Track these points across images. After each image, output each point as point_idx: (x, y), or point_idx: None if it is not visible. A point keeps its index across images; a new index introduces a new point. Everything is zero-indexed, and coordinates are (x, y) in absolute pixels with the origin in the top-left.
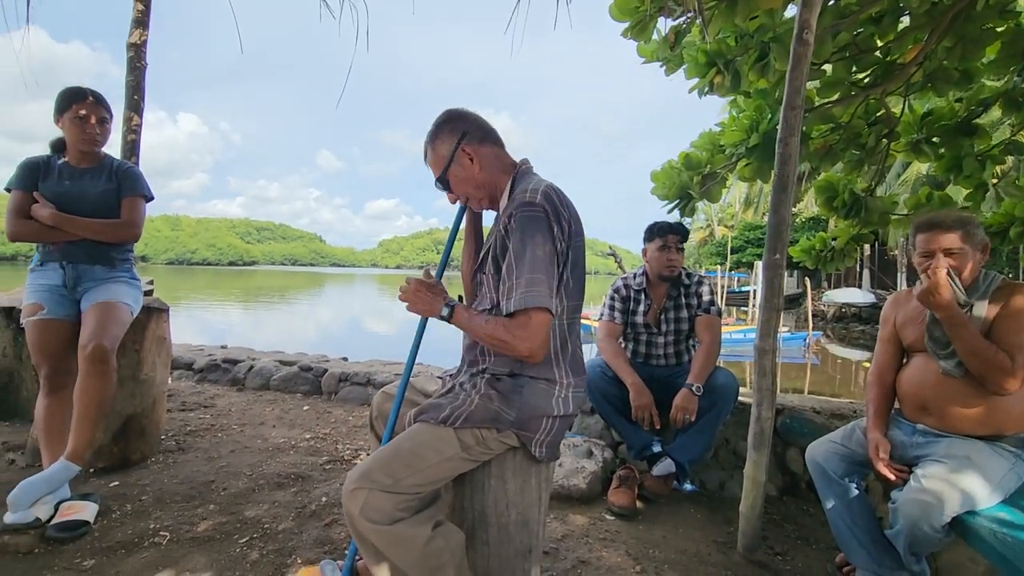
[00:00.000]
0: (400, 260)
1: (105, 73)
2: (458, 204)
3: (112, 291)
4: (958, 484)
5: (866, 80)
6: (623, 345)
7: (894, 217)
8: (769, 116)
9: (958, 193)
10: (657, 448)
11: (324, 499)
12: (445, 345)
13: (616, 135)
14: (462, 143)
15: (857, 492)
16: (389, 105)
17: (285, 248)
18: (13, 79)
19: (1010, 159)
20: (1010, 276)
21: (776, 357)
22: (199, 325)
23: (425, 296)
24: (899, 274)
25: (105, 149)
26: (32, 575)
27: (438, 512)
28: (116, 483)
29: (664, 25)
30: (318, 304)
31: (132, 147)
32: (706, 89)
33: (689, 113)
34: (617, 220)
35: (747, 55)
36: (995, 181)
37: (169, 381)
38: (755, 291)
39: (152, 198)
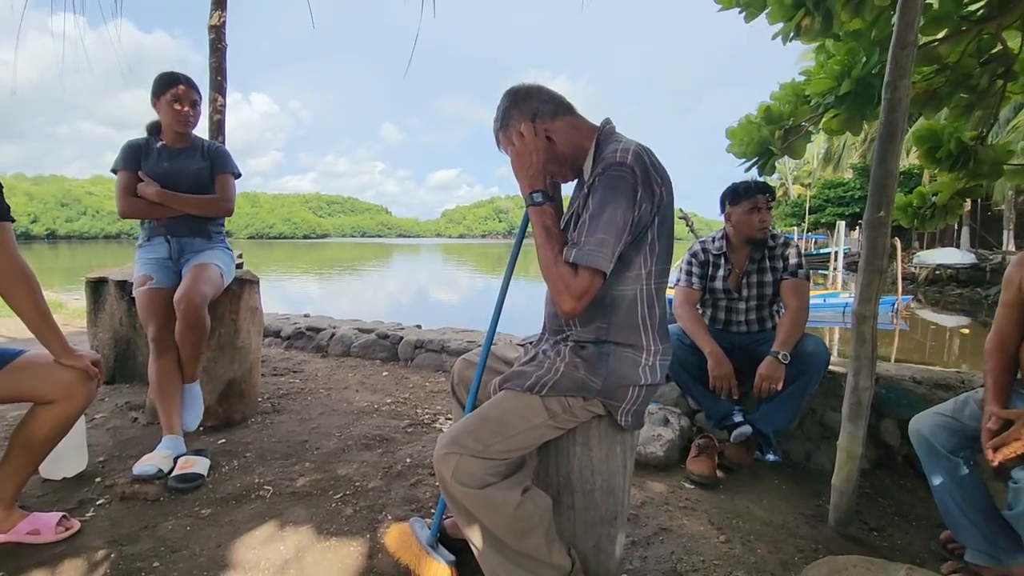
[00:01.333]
0: (463, 229)
1: (186, 60)
2: (523, 213)
3: (207, 255)
4: None
5: (980, 12)
6: (701, 312)
7: (1008, 167)
8: (864, 60)
9: None
10: (739, 418)
11: (408, 460)
12: (523, 313)
13: (682, 89)
14: (535, 124)
15: (969, 469)
16: (446, 72)
17: (354, 220)
18: (108, 70)
19: None
20: None
21: (876, 323)
22: (281, 295)
23: (536, 160)
24: (1005, 231)
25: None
26: (159, 520)
27: (526, 477)
28: (223, 440)
29: None
30: (387, 274)
31: (218, 127)
32: (792, 34)
33: (758, 63)
34: (686, 180)
35: None
36: None
37: (261, 348)
38: (835, 253)
39: (240, 175)
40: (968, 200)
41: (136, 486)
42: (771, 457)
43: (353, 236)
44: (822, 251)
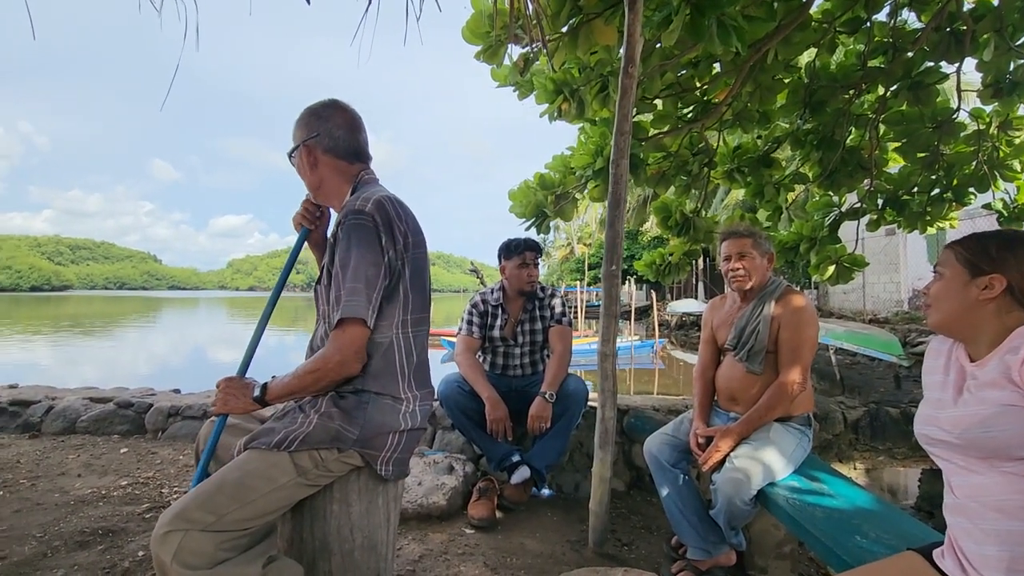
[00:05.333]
0: (253, 281)
1: None
2: (290, 254)
3: None
4: (760, 459)
5: (689, 115)
6: (482, 358)
7: (715, 234)
8: (612, 143)
9: (764, 215)
10: (516, 457)
11: (141, 554)
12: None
13: (482, 155)
14: (307, 142)
15: (686, 478)
16: (235, 112)
17: (109, 269)
18: None
19: (799, 187)
20: (806, 284)
21: (616, 361)
22: None
23: (234, 391)
24: (727, 286)
25: None
26: None
27: (270, 547)
28: None
29: (514, 51)
30: (150, 332)
31: None
32: (555, 114)
33: (550, 135)
34: (484, 237)
35: (590, 85)
36: (788, 205)
37: None
38: None
39: None
40: (699, 259)
41: None
42: (546, 492)
43: (107, 288)
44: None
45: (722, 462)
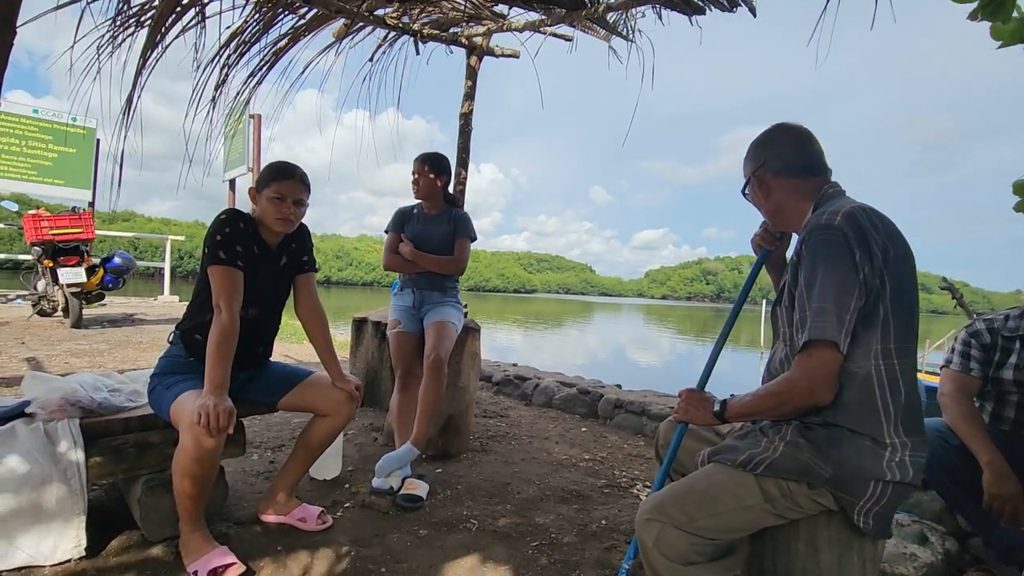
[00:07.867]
0: (666, 290)
1: (434, 139)
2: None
3: (445, 313)
4: None
5: None
6: (979, 404)
7: None
8: None
9: None
10: None
11: (604, 522)
12: (736, 385)
13: (937, 140)
14: (756, 172)
15: None
16: (653, 135)
17: (559, 277)
18: (378, 149)
19: None
20: None
21: None
22: (490, 343)
23: (695, 403)
24: None
25: None
26: (387, 531)
27: (734, 564)
28: (440, 470)
29: None
30: (588, 330)
31: (461, 196)
32: None
33: None
34: (947, 244)
35: None
36: None
37: (476, 391)
38: None
39: (475, 239)
40: None
41: (373, 497)
42: None
43: (558, 292)
44: None
45: None
